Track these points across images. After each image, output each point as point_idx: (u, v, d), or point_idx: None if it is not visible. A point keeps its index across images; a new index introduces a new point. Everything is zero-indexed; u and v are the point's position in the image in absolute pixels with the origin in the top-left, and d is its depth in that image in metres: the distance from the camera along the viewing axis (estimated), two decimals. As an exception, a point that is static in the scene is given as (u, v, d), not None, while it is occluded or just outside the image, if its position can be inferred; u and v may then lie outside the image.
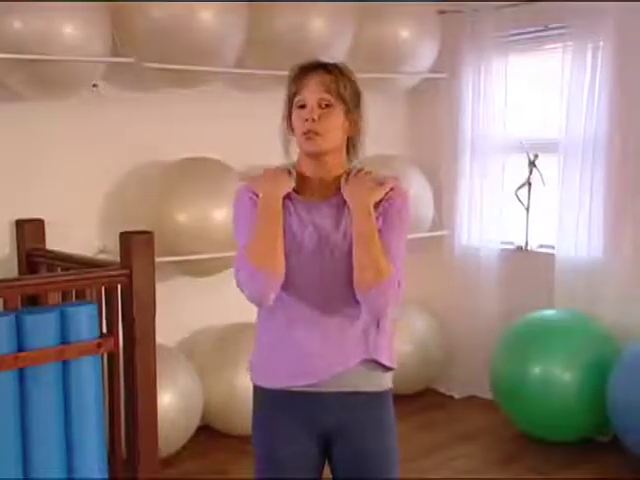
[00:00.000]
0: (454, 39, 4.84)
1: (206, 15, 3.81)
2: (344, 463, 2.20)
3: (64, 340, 2.92)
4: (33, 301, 3.43)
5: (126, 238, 3.24)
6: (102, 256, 3.93)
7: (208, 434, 4.30)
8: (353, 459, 2.18)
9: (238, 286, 2.10)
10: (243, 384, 3.79)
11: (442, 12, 4.84)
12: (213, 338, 4.39)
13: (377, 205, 2.12)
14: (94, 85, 3.91)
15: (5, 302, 3.03)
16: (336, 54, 4.07)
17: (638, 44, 4.14)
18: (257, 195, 2.14)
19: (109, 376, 3.21)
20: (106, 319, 3.19)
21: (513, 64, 4.76)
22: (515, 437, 4.35)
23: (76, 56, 3.57)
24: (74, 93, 3.86)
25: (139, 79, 4.03)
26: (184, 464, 4.00)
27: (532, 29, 4.61)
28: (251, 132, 4.25)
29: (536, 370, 4.10)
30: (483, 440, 4.37)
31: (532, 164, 4.69)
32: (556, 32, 4.50)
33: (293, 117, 2.13)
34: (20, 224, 3.80)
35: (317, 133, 2.09)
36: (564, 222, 4.47)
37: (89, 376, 2.99)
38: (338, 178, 2.17)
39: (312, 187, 2.17)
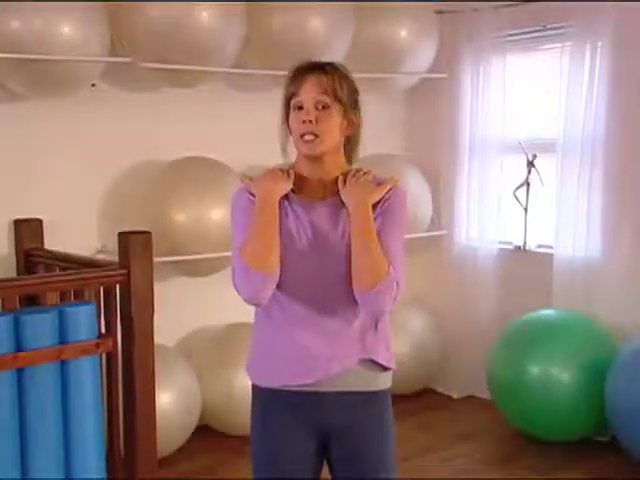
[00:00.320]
0: (453, 39, 4.84)
1: (204, 15, 3.81)
2: (342, 463, 2.20)
3: (62, 340, 2.92)
4: (31, 301, 3.43)
5: (124, 238, 3.24)
6: (100, 256, 3.93)
7: (206, 434, 4.30)
8: (351, 459, 2.19)
9: (234, 286, 2.10)
10: (241, 384, 3.79)
11: (440, 12, 4.84)
12: (211, 338, 4.39)
13: (375, 205, 2.12)
14: (92, 85, 3.92)
15: (3, 302, 3.03)
16: (335, 54, 4.08)
17: (637, 44, 4.14)
18: (254, 196, 2.14)
19: (107, 376, 3.21)
20: (104, 319, 3.19)
21: (511, 64, 4.76)
22: (513, 437, 4.36)
23: (74, 56, 3.57)
24: (72, 93, 3.86)
25: (137, 79, 4.03)
26: (182, 464, 4.00)
27: (530, 29, 4.61)
28: (249, 132, 4.25)
29: (534, 370, 4.10)
30: (481, 440, 4.38)
31: (530, 164, 4.70)
32: (554, 32, 4.50)
33: (291, 118, 2.13)
34: (18, 224, 3.80)
35: (315, 135, 2.09)
36: (562, 222, 4.48)
37: (87, 376, 2.99)
38: (336, 178, 2.17)
39: (310, 187, 2.18)
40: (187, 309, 4.31)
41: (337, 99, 2.10)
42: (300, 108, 2.10)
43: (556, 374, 4.06)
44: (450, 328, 5.01)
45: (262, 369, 2.20)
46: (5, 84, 3.69)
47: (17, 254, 3.79)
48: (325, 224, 2.13)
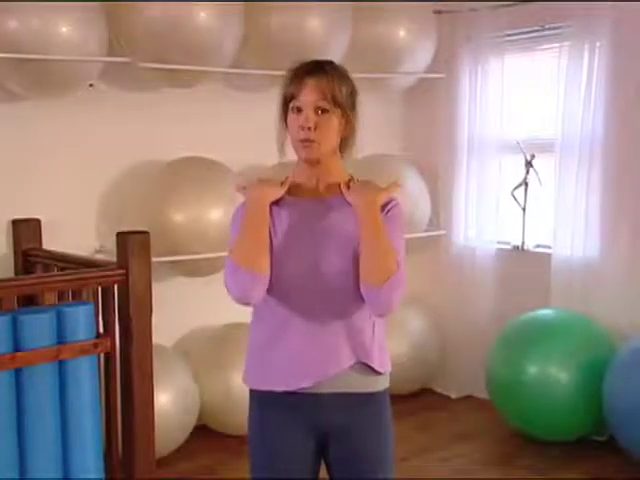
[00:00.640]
0: (451, 39, 4.84)
1: (202, 15, 3.81)
2: (341, 463, 2.20)
3: (60, 340, 2.92)
4: (29, 301, 3.43)
5: (123, 238, 3.24)
6: (99, 256, 3.93)
7: (205, 434, 4.30)
8: (350, 459, 2.19)
9: (225, 286, 2.11)
10: (239, 384, 3.74)
11: (438, 12, 4.84)
12: (210, 338, 4.39)
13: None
14: (90, 85, 3.92)
15: (1, 302, 3.03)
16: (333, 54, 4.08)
17: (635, 44, 4.14)
18: None
19: (105, 376, 3.21)
20: (102, 319, 3.18)
21: (510, 64, 4.76)
22: (512, 436, 4.36)
23: (73, 56, 3.57)
24: (70, 93, 3.86)
25: (135, 79, 4.03)
26: (181, 464, 4.00)
27: (529, 29, 4.61)
28: (248, 132, 4.25)
29: (532, 369, 4.10)
30: (480, 440, 4.38)
31: (529, 164, 4.70)
32: (553, 32, 4.50)
33: (289, 120, 2.13)
34: (17, 224, 3.80)
35: (314, 141, 2.09)
36: (560, 222, 4.48)
37: (85, 376, 2.99)
38: (334, 179, 2.17)
39: (309, 189, 2.18)
40: (185, 309, 4.31)
41: (336, 103, 2.10)
42: (299, 111, 2.10)
43: (554, 374, 4.06)
44: (448, 328, 5.01)
45: (259, 374, 2.20)
46: (3, 84, 3.68)
47: (15, 254, 3.79)
48: (322, 225, 2.13)
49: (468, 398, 4.98)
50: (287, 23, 4.11)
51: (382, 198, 2.12)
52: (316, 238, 2.12)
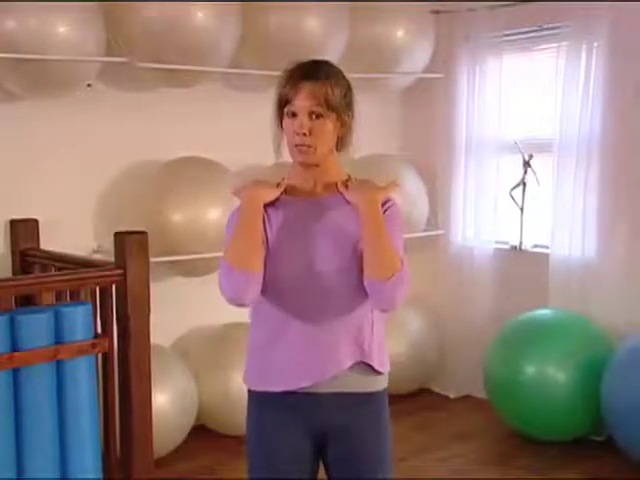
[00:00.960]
0: (449, 39, 4.85)
1: (200, 15, 3.81)
2: (339, 463, 2.20)
3: (58, 340, 2.92)
4: (27, 301, 3.43)
5: (121, 238, 3.24)
6: (96, 256, 3.93)
7: (203, 434, 4.29)
8: (348, 459, 2.18)
9: (220, 289, 2.11)
10: (238, 384, 3.76)
11: (436, 12, 4.84)
12: (208, 338, 4.39)
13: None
14: (88, 85, 3.92)
15: (-1, 302, 3.03)
16: (331, 54, 4.08)
17: (632, 44, 4.15)
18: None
19: (103, 376, 3.21)
20: (100, 319, 3.18)
21: (508, 64, 4.76)
22: (510, 436, 4.36)
23: (70, 56, 3.57)
24: (68, 93, 3.86)
25: (133, 79, 4.03)
26: (179, 464, 4.00)
27: (526, 29, 4.61)
28: (246, 132, 4.24)
29: (530, 369, 4.11)
30: (478, 440, 4.38)
31: (527, 164, 4.70)
32: (551, 32, 4.50)
33: (284, 124, 2.13)
34: (14, 224, 3.80)
35: (310, 146, 2.09)
36: (558, 222, 4.48)
37: (83, 376, 2.98)
38: (331, 178, 2.17)
39: (306, 189, 2.18)
40: (183, 309, 4.31)
41: (330, 108, 2.09)
42: (294, 115, 2.10)
43: (552, 374, 4.06)
44: (447, 328, 5.01)
45: (259, 374, 2.19)
46: (1, 84, 3.68)
47: (13, 254, 3.79)
48: (320, 224, 2.13)
49: (466, 398, 4.98)
50: (285, 23, 4.12)
51: (382, 196, 2.13)
52: (314, 238, 2.12)
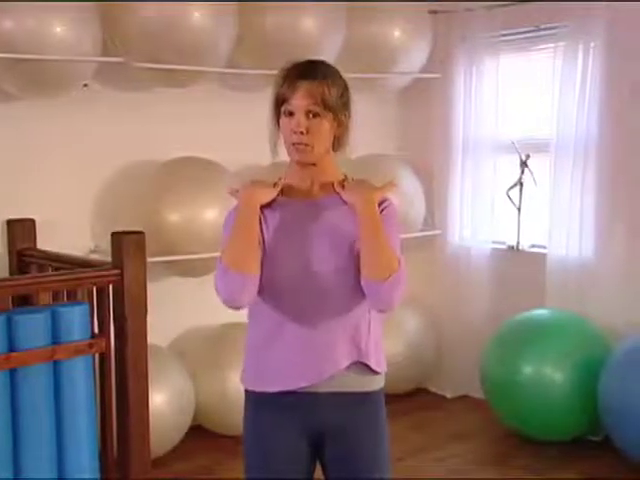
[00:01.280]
0: (446, 39, 4.85)
1: (197, 15, 3.81)
2: (336, 463, 2.20)
3: (55, 340, 2.91)
4: (24, 301, 3.42)
5: (118, 238, 3.23)
6: (93, 256, 3.92)
7: (200, 434, 4.29)
8: (345, 459, 2.18)
9: (215, 291, 2.11)
10: (235, 384, 3.75)
11: (434, 12, 4.84)
12: (205, 338, 4.39)
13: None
14: (85, 85, 3.91)
15: (-4, 302, 3.02)
16: (328, 54, 4.08)
17: (629, 44, 4.15)
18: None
19: (101, 376, 3.20)
20: (97, 319, 3.18)
21: (505, 64, 4.77)
22: (507, 436, 4.36)
23: (67, 56, 3.56)
24: (65, 93, 3.85)
25: (130, 79, 4.02)
26: (176, 464, 3.99)
27: (524, 29, 4.61)
28: (243, 132, 4.24)
29: (527, 369, 4.11)
30: (475, 439, 4.38)
31: (524, 164, 4.70)
32: (548, 32, 4.51)
33: (281, 123, 2.13)
34: (11, 224, 3.79)
35: (307, 145, 2.09)
36: (555, 222, 4.48)
37: (80, 376, 2.98)
38: (328, 178, 2.17)
39: (302, 189, 2.18)
40: (181, 309, 4.31)
41: (327, 107, 2.10)
42: (291, 114, 2.10)
43: (549, 374, 4.06)
44: (444, 328, 5.01)
45: (256, 375, 2.19)
46: (-2, 83, 3.68)
47: (10, 254, 3.78)
48: (317, 224, 2.13)
49: (463, 398, 4.98)
50: (282, 23, 4.11)
51: (378, 196, 2.12)
52: (310, 238, 2.12)
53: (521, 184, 4.74)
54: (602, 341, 4.16)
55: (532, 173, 4.69)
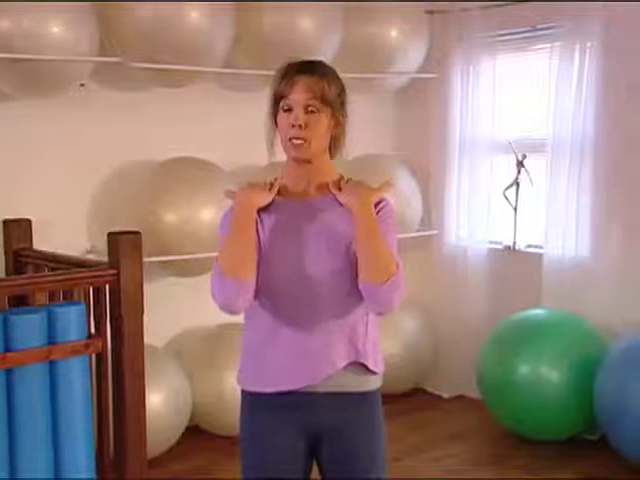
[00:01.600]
0: (443, 39, 4.85)
1: (194, 15, 3.80)
2: (333, 463, 2.20)
3: (52, 341, 2.91)
4: (20, 301, 3.42)
5: (114, 238, 3.23)
6: (90, 256, 3.92)
7: (197, 434, 4.29)
8: (342, 459, 2.18)
9: (212, 295, 2.10)
10: (232, 384, 3.76)
11: (430, 12, 4.84)
12: (201, 338, 4.38)
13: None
14: (81, 85, 3.91)
15: (-8, 302, 3.02)
16: (325, 54, 4.08)
17: (625, 45, 4.15)
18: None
19: (97, 377, 3.20)
20: (94, 319, 3.17)
21: (501, 64, 4.77)
22: (504, 436, 4.36)
23: (63, 55, 3.56)
24: (62, 93, 3.85)
25: (127, 79, 4.02)
26: (173, 464, 3.99)
27: (520, 29, 4.62)
28: (239, 132, 4.24)
29: (524, 369, 4.11)
30: (472, 439, 4.38)
31: (520, 164, 4.71)
32: (544, 32, 4.51)
33: (279, 119, 2.12)
34: (7, 224, 3.78)
35: (304, 139, 2.09)
36: (552, 222, 4.49)
37: (77, 377, 2.98)
38: (324, 179, 2.16)
39: (298, 189, 2.17)
40: (177, 309, 4.30)
41: (326, 103, 2.10)
42: (289, 110, 2.10)
43: (546, 373, 4.07)
44: (440, 328, 5.02)
45: (253, 375, 2.19)
46: (-6, 83, 3.68)
47: (6, 254, 3.78)
48: (314, 224, 2.12)
49: (460, 398, 4.98)
50: (279, 23, 4.11)
51: (374, 198, 2.12)
52: (306, 239, 2.11)
53: (517, 184, 4.75)
54: (598, 340, 4.16)
55: (529, 173, 4.70)
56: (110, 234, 3.27)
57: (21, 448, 2.85)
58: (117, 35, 3.81)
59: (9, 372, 2.82)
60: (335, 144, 2.18)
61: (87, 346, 3.01)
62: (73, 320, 2.97)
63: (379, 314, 2.15)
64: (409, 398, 4.93)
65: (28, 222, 3.81)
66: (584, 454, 4.12)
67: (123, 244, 3.20)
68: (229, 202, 2.20)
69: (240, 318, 2.26)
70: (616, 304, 4.24)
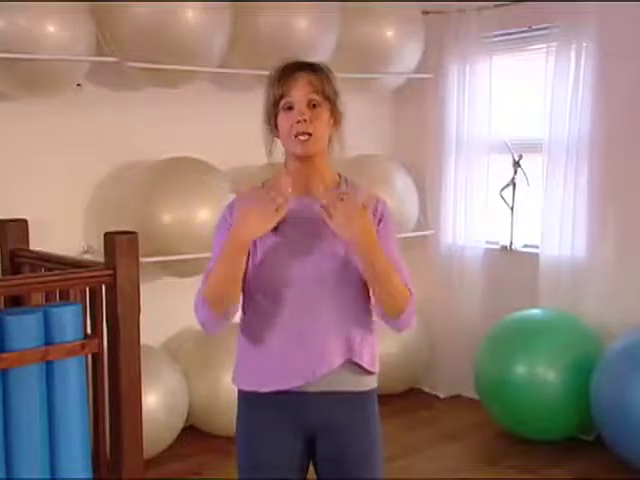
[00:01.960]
0: (439, 40, 4.86)
1: (190, 15, 3.80)
2: (328, 462, 2.20)
3: (48, 341, 2.90)
4: (16, 302, 3.41)
5: (110, 238, 3.22)
6: (86, 256, 3.92)
7: (193, 434, 4.29)
8: (337, 458, 2.18)
9: (193, 309, 2.15)
10: (228, 384, 3.75)
11: (427, 13, 4.85)
12: (198, 338, 4.38)
13: (372, 215, 2.11)
14: (78, 85, 3.90)
15: (-12, 303, 3.01)
16: (321, 54, 4.09)
17: (621, 45, 4.16)
18: (232, 214, 2.13)
19: (93, 377, 3.20)
20: (90, 320, 3.17)
21: (497, 65, 4.78)
22: (500, 436, 4.37)
23: (60, 55, 3.55)
24: (58, 93, 3.85)
25: (123, 78, 4.02)
26: (169, 465, 3.99)
27: (516, 30, 4.63)
28: (236, 132, 4.24)
29: (520, 369, 4.12)
30: (468, 439, 4.39)
31: (516, 164, 4.71)
32: (540, 33, 4.52)
33: (279, 120, 2.12)
34: (3, 224, 3.77)
35: (309, 134, 2.08)
36: (548, 222, 4.50)
37: (73, 377, 2.97)
38: (323, 178, 2.16)
39: (299, 187, 2.16)
40: (173, 309, 4.29)
41: (326, 97, 2.11)
42: (290, 108, 2.09)
43: (542, 373, 4.07)
44: (437, 328, 5.02)
45: (248, 375, 2.20)
46: (-10, 83, 3.67)
47: (2, 254, 3.76)
48: (313, 225, 2.11)
49: (456, 398, 4.99)
50: (275, 23, 4.11)
51: (369, 222, 2.02)
52: (305, 239, 2.11)
53: (514, 184, 4.76)
54: (594, 340, 4.17)
55: (525, 173, 4.71)
56: (106, 234, 3.26)
57: (17, 448, 2.85)
58: (113, 35, 3.81)
59: (5, 373, 2.81)
60: (331, 143, 2.18)
61: (83, 346, 3.00)
62: (69, 320, 2.96)
63: (398, 332, 2.19)
64: (405, 398, 4.94)
65: (24, 222, 3.80)
66: (580, 454, 4.12)
67: (119, 244, 3.19)
68: (226, 201, 2.19)
69: (237, 318, 2.26)
70: (612, 304, 4.24)
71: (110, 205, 4.14)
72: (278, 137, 2.16)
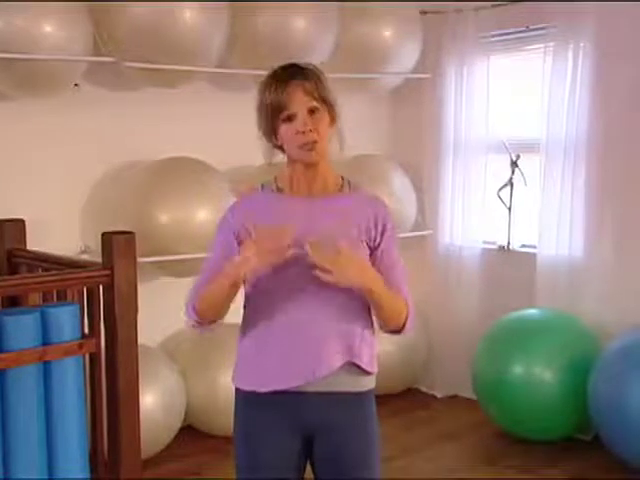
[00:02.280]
0: (436, 40, 4.86)
1: (188, 14, 3.80)
2: (326, 462, 2.20)
3: (45, 341, 2.90)
4: (13, 302, 3.41)
5: (108, 238, 3.22)
6: (84, 256, 3.92)
7: (191, 434, 4.29)
8: (335, 458, 2.19)
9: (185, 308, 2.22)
10: (225, 384, 3.76)
11: (424, 13, 4.85)
12: (195, 338, 4.37)
13: (370, 224, 2.17)
14: (75, 85, 3.90)
15: (-15, 303, 3.01)
16: (319, 54, 4.09)
17: (618, 45, 4.17)
18: (233, 215, 2.18)
19: (91, 377, 3.19)
20: (88, 320, 3.16)
21: (495, 65, 4.78)
22: (497, 436, 4.37)
23: (58, 55, 3.55)
24: (56, 93, 3.84)
25: (121, 78, 4.02)
26: (167, 465, 3.99)
27: (514, 30, 4.63)
28: (234, 132, 4.23)
29: (518, 369, 4.12)
30: (466, 439, 4.39)
31: (514, 164, 4.72)
32: (537, 33, 4.52)
33: (282, 130, 2.12)
34: (0, 224, 3.77)
35: (316, 142, 2.09)
36: (545, 222, 4.50)
37: (71, 377, 2.97)
38: (325, 180, 2.18)
39: (301, 190, 2.18)
40: (171, 309, 4.26)
41: (323, 100, 2.12)
42: (290, 118, 2.10)
43: (540, 373, 4.07)
44: (434, 328, 5.02)
45: (248, 374, 2.20)
46: (-12, 83, 3.67)
47: (-1, 254, 3.77)
48: (314, 227, 2.12)
49: (454, 398, 4.99)
50: (273, 23, 4.11)
51: (357, 261, 2.06)
52: (306, 240, 2.10)
53: (511, 184, 4.76)
54: (592, 340, 4.17)
55: (522, 173, 4.71)
56: (104, 234, 3.26)
57: (15, 448, 2.84)
58: (111, 35, 3.80)
59: (2, 373, 2.81)
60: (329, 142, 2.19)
61: (81, 346, 3.00)
62: (67, 320, 2.96)
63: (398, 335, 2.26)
64: (403, 398, 4.94)
65: (22, 222, 3.80)
66: (577, 454, 4.13)
67: (117, 244, 3.19)
68: (225, 201, 2.20)
69: (235, 318, 2.26)
70: (610, 304, 4.25)
71: (108, 205, 4.14)
72: (278, 147, 2.17)
